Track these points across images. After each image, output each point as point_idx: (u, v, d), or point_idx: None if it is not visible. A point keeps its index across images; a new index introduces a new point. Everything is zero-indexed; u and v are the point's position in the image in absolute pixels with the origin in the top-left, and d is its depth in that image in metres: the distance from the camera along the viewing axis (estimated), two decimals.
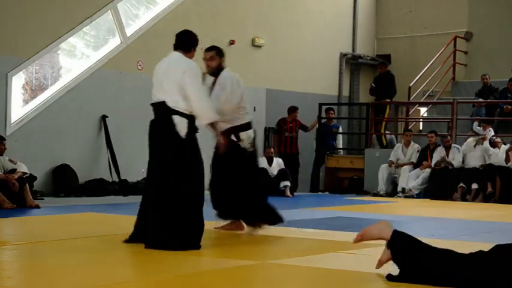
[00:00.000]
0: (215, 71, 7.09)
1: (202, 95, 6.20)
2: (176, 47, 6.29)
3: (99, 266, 5.14)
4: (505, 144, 13.63)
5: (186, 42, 6.30)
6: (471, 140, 13.91)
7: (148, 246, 5.84)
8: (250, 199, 7.02)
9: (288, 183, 13.66)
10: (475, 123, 14.97)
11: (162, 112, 6.03)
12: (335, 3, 18.00)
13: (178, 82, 6.00)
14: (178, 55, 6.21)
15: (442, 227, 8.59)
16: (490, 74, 16.32)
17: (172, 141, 6.00)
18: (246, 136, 7.11)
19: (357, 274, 4.89)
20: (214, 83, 7.07)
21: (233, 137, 7.00)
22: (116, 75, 13.12)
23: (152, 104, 6.14)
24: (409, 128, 15.99)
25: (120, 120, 13.05)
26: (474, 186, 13.27)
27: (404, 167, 14.26)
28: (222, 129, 6.84)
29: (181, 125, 5.98)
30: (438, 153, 13.96)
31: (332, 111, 15.97)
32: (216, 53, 7.13)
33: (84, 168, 12.55)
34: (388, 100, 15.69)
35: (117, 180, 12.78)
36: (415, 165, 14.26)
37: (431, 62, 17.11)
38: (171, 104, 5.99)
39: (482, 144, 13.67)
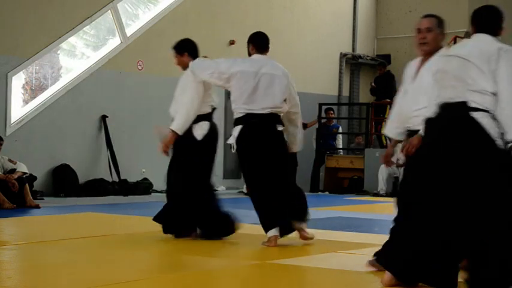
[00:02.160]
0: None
1: None
2: None
3: (98, 266, 5.14)
4: None
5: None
6: None
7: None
8: None
9: None
10: None
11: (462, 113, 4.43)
12: (335, 3, 18.00)
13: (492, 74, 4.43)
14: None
15: None
16: None
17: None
18: None
19: (357, 274, 4.89)
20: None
21: None
22: (116, 75, 13.11)
23: (449, 105, 4.49)
24: None
25: (120, 120, 13.05)
26: None
27: None
28: None
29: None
30: None
31: (332, 111, 15.97)
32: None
33: (84, 168, 12.55)
34: (388, 100, 15.67)
35: (117, 180, 12.76)
36: None
37: None
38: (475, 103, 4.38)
39: None
